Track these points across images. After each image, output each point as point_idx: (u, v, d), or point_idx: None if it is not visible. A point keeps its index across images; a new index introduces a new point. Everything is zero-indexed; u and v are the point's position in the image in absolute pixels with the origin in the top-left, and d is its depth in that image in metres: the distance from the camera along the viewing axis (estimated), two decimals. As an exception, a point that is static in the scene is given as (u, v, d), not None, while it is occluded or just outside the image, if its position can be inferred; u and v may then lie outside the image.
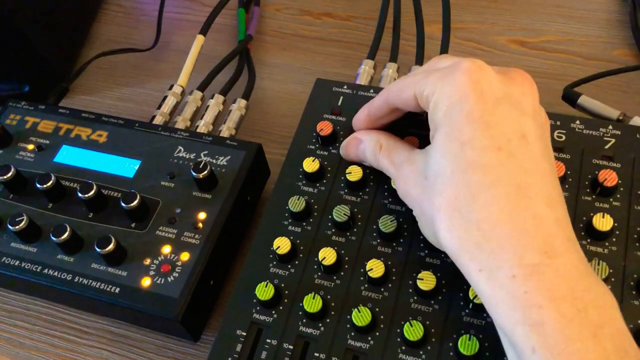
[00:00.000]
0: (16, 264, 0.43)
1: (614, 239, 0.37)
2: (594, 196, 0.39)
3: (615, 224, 0.37)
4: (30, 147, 0.49)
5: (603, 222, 0.37)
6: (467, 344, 0.34)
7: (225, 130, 0.51)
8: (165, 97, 0.53)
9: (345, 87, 0.46)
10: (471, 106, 0.32)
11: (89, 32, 0.67)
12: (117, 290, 0.40)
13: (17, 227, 0.42)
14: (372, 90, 0.46)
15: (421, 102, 0.35)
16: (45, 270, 0.42)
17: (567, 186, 0.39)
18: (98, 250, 0.40)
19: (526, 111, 0.33)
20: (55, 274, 0.42)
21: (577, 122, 0.42)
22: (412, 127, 0.42)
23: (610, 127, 0.41)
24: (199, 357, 0.42)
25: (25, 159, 0.48)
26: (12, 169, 0.45)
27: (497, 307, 0.29)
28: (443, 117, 0.33)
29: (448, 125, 0.33)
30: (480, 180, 0.31)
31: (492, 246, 0.30)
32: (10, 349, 0.45)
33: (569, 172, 0.40)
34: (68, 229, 0.41)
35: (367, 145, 0.40)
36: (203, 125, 0.51)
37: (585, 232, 0.37)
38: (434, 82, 0.34)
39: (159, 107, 0.53)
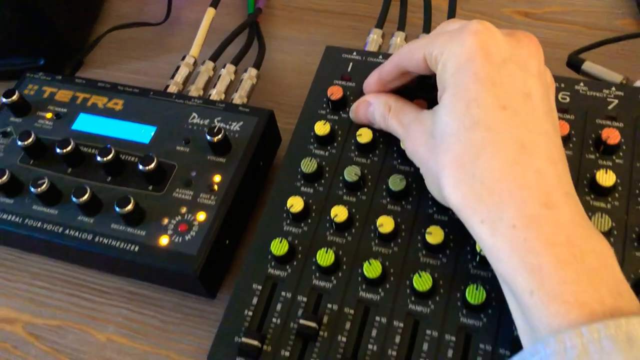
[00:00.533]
0: (38, 225, 0.44)
1: (617, 195, 0.38)
2: (597, 154, 0.40)
3: (618, 180, 0.38)
4: (49, 115, 0.50)
5: (606, 178, 0.38)
6: (475, 293, 0.36)
7: (237, 99, 0.52)
8: (178, 67, 0.55)
9: (354, 53, 0.47)
10: (478, 66, 0.33)
11: (103, 7, 0.68)
12: (137, 248, 0.42)
13: (38, 189, 0.43)
14: (381, 57, 0.47)
15: (430, 64, 0.36)
16: (67, 231, 0.43)
17: (571, 145, 0.41)
18: (117, 210, 0.42)
19: (531, 72, 0.34)
20: (76, 234, 0.43)
21: (581, 84, 0.43)
22: (421, 91, 0.43)
23: (614, 88, 0.42)
24: (216, 314, 0.44)
25: (44, 127, 0.50)
26: (33, 135, 0.47)
27: (498, 255, 0.31)
28: (451, 76, 0.34)
29: (455, 84, 0.34)
30: (484, 138, 0.32)
31: (494, 199, 0.31)
32: (33, 308, 0.46)
33: (573, 132, 0.41)
34: (88, 190, 0.43)
35: (376, 108, 0.41)
36: (215, 94, 0.52)
37: (589, 189, 0.39)
38: (442, 43, 0.35)
39: (172, 77, 0.54)
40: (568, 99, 0.42)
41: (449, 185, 0.33)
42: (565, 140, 0.40)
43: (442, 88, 0.35)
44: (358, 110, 0.42)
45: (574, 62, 0.50)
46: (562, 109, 0.42)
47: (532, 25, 0.59)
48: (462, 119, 0.33)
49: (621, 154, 0.40)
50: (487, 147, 0.32)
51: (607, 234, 0.37)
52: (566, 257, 0.28)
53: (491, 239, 0.31)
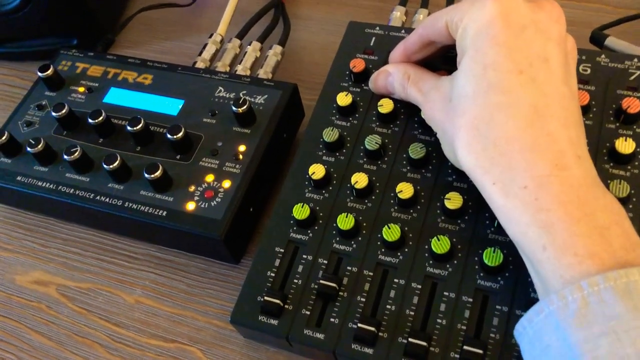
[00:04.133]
0: (71, 191, 0.46)
1: (636, 163, 0.39)
2: (617, 124, 0.40)
3: (638, 149, 0.39)
4: (81, 89, 0.52)
5: (625, 146, 0.38)
6: (492, 256, 0.36)
7: (263, 74, 0.53)
8: (206, 44, 0.56)
9: (377, 28, 0.48)
10: (497, 30, 0.34)
11: (132, -10, 0.70)
12: (165, 213, 0.43)
13: (71, 157, 0.45)
14: (403, 31, 0.48)
15: (451, 30, 0.37)
16: (98, 197, 0.45)
17: (591, 115, 0.41)
18: (146, 175, 0.43)
19: (552, 37, 0.35)
20: (107, 200, 0.45)
21: (603, 56, 0.43)
22: (443, 64, 0.43)
23: (636, 60, 0.42)
24: (239, 279, 0.45)
25: (76, 100, 0.52)
26: (66, 107, 0.49)
27: (510, 215, 0.31)
28: (470, 41, 0.35)
29: (474, 48, 0.34)
30: (500, 101, 0.33)
31: (506, 160, 0.32)
32: (65, 272, 0.48)
33: (593, 102, 0.41)
34: (119, 157, 0.45)
35: (395, 77, 0.42)
36: (241, 70, 0.54)
37: (609, 157, 0.39)
38: (464, 9, 0.36)
39: (200, 54, 0.56)
40: (589, 71, 0.43)
41: (463, 147, 0.33)
42: (586, 110, 0.41)
43: (461, 53, 0.36)
44: (377, 80, 0.43)
45: (597, 38, 0.50)
46: (583, 80, 0.42)
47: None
48: (478, 83, 0.33)
49: (641, 123, 0.40)
50: (501, 111, 0.32)
51: (625, 200, 0.37)
52: (577, 214, 0.29)
53: (503, 200, 0.31)
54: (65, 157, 0.46)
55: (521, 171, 0.31)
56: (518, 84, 0.33)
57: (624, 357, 0.25)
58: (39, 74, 0.52)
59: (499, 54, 0.33)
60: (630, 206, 0.37)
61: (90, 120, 0.47)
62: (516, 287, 0.36)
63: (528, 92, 0.33)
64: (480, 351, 0.34)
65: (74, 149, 0.46)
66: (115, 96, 0.51)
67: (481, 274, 0.37)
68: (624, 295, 0.26)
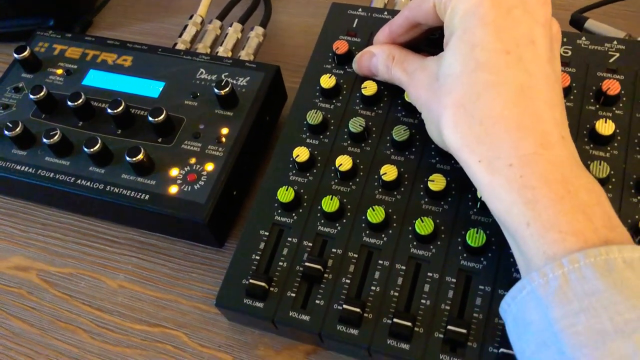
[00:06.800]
0: (51, 175, 0.45)
1: (616, 144, 0.39)
2: (597, 105, 0.41)
3: (617, 130, 0.39)
4: (59, 71, 0.51)
5: (605, 127, 0.39)
6: (475, 237, 0.37)
7: (244, 56, 0.53)
8: (186, 26, 0.55)
9: (360, 9, 0.48)
10: (485, 11, 0.34)
11: (109, -29, 0.68)
12: (147, 197, 0.43)
13: (51, 140, 0.45)
14: (386, 13, 0.47)
15: (439, 11, 0.37)
16: (78, 181, 0.45)
17: (572, 97, 0.41)
18: (128, 159, 0.43)
19: (538, 20, 0.35)
20: (88, 184, 0.44)
21: (583, 38, 0.44)
22: (427, 47, 0.43)
23: (615, 42, 0.43)
24: (223, 263, 0.45)
25: (55, 83, 0.51)
26: (44, 89, 0.48)
27: (495, 193, 0.32)
28: (458, 20, 0.35)
29: (462, 28, 0.34)
30: (486, 80, 0.33)
31: (491, 139, 0.32)
32: (46, 256, 0.48)
33: (574, 84, 0.42)
34: (99, 140, 0.44)
35: (379, 58, 0.42)
36: (223, 52, 0.53)
37: (589, 138, 0.40)
38: None
39: (180, 35, 0.55)
40: (570, 53, 0.43)
41: (449, 126, 0.33)
42: (567, 92, 0.41)
43: (449, 33, 0.36)
44: (361, 61, 0.43)
45: (577, 21, 0.50)
46: (563, 62, 0.42)
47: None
48: (466, 62, 0.33)
49: (621, 105, 0.40)
50: (488, 90, 0.33)
51: (604, 181, 0.38)
52: (561, 191, 0.29)
53: (488, 178, 0.32)
54: (45, 140, 0.45)
55: (507, 149, 0.31)
56: (505, 63, 0.33)
57: (602, 331, 0.26)
58: (15, 55, 0.51)
59: (487, 33, 0.33)
60: (610, 186, 0.38)
61: (69, 103, 0.46)
62: (499, 267, 0.37)
63: (515, 71, 0.33)
64: (464, 331, 0.35)
65: (54, 132, 0.45)
66: (95, 78, 0.50)
67: (464, 255, 0.37)
68: (603, 272, 0.27)
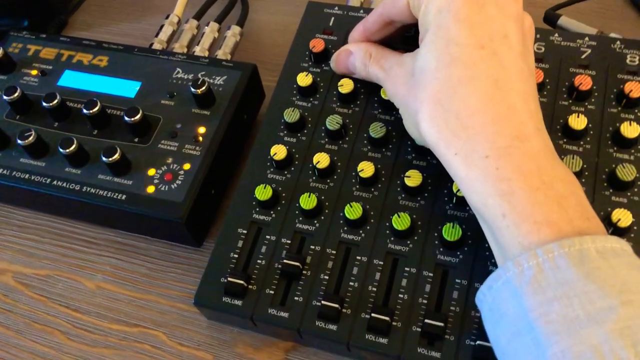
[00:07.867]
0: (26, 177, 0.45)
1: (588, 138, 0.40)
2: (570, 101, 0.41)
3: (590, 125, 0.40)
4: (34, 72, 0.51)
5: (578, 122, 0.39)
6: (451, 231, 0.37)
7: (221, 55, 0.53)
8: (162, 26, 0.55)
9: (336, 8, 0.48)
10: (459, 7, 0.34)
11: (84, -29, 0.68)
12: (124, 197, 0.43)
13: (26, 141, 0.44)
14: (362, 11, 0.48)
15: (413, 9, 0.37)
16: (54, 182, 0.44)
17: (545, 92, 0.42)
18: (104, 159, 0.42)
19: (510, 15, 0.35)
20: (64, 184, 0.44)
21: (556, 34, 0.44)
22: (402, 44, 0.44)
23: (587, 38, 0.44)
24: (202, 262, 0.45)
25: (29, 84, 0.50)
26: (18, 90, 0.47)
27: (471, 185, 0.32)
28: (432, 18, 0.35)
29: (436, 24, 0.35)
30: (461, 75, 0.33)
31: (468, 133, 0.32)
32: (22, 259, 0.47)
33: (547, 80, 0.42)
34: (75, 141, 0.44)
35: (356, 56, 0.42)
36: (200, 51, 0.53)
37: (562, 133, 0.40)
38: None
39: (156, 35, 0.55)
40: (543, 49, 0.44)
41: (426, 120, 0.34)
42: (540, 87, 0.42)
43: (424, 30, 0.36)
44: (338, 59, 0.43)
45: (551, 18, 0.51)
46: (537, 58, 0.43)
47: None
48: (441, 57, 0.34)
49: (593, 100, 0.41)
50: (463, 84, 0.33)
51: (577, 175, 0.38)
52: (536, 183, 0.30)
53: (465, 170, 0.32)
54: (19, 141, 0.44)
55: (483, 142, 0.32)
56: (480, 58, 0.33)
57: (574, 319, 0.26)
58: (-12, 56, 0.50)
59: (461, 29, 0.34)
60: (583, 180, 0.38)
61: (44, 104, 0.46)
62: (475, 261, 0.37)
63: (489, 66, 0.33)
64: (441, 324, 0.35)
65: (28, 133, 0.44)
66: (70, 79, 0.50)
67: (441, 249, 0.38)
68: (576, 262, 0.27)
